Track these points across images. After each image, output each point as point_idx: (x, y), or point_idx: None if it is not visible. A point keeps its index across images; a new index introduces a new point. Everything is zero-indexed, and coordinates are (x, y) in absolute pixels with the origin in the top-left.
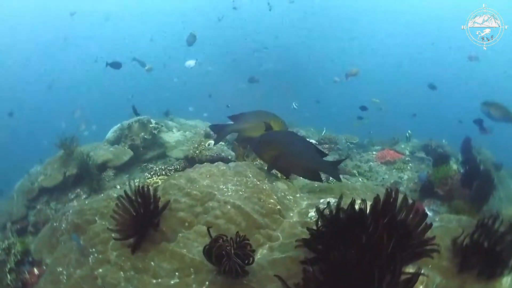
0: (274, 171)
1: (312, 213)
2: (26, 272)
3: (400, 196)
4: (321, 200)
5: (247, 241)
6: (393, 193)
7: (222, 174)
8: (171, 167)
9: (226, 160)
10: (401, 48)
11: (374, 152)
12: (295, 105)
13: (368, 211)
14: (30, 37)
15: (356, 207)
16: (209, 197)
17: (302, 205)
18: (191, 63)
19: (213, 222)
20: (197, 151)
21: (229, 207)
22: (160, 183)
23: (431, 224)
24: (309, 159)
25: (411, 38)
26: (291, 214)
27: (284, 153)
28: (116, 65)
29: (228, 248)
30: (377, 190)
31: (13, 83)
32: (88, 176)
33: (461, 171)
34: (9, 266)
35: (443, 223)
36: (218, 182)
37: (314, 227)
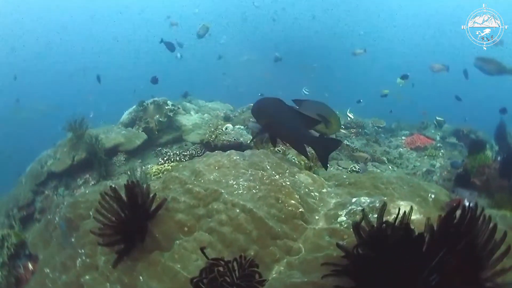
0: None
1: (343, 217)
2: (21, 267)
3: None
4: (353, 200)
5: (255, 269)
6: (469, 209)
7: (234, 166)
8: (186, 152)
9: (244, 146)
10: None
11: (403, 137)
12: (306, 90)
13: (425, 229)
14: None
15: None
16: (214, 196)
17: (329, 204)
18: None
19: (217, 229)
20: (213, 136)
21: (237, 211)
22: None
23: (509, 249)
24: (294, 128)
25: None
26: (317, 218)
27: (273, 120)
28: (170, 46)
29: (227, 279)
30: (413, 182)
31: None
32: (96, 161)
33: (498, 159)
34: (1, 260)
35: None
36: (227, 176)
37: (345, 236)
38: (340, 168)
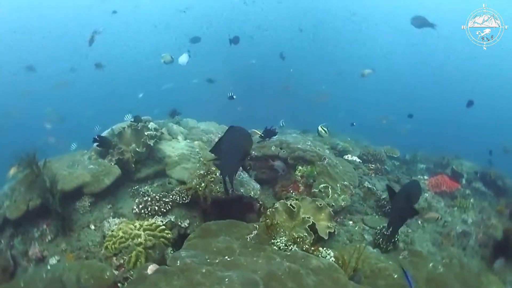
0: None
1: None
2: None
3: None
4: None
5: None
6: None
7: None
8: (168, 198)
9: (246, 202)
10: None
11: (425, 177)
12: (283, 123)
13: None
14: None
15: None
16: None
17: None
18: (184, 58)
19: None
20: (202, 184)
21: None
22: (142, 242)
23: None
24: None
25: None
26: None
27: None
28: (235, 40)
29: None
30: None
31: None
32: (52, 210)
33: None
34: None
35: None
36: None
37: None
38: (366, 227)
